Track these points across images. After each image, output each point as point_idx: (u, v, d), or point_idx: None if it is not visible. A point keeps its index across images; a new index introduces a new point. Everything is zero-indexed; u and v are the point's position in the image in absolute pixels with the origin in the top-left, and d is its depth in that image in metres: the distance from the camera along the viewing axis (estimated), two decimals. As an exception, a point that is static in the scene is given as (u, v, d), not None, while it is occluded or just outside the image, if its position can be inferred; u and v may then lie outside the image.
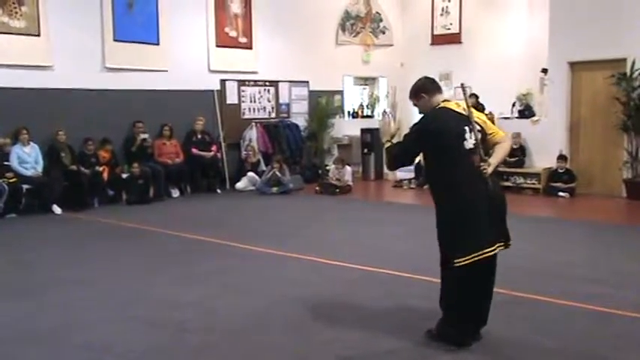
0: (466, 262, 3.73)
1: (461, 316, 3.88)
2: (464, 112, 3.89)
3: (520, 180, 10.88)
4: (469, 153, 3.81)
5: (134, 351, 3.90)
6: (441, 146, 3.82)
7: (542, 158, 10.84)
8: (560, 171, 10.39)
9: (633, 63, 9.87)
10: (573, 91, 10.72)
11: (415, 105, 4.06)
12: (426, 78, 4.09)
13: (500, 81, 12.90)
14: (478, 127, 3.88)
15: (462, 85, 4.40)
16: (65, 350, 3.94)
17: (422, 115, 4.01)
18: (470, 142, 3.82)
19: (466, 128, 3.83)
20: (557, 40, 10.63)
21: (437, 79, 4.13)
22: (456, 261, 3.76)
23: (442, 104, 3.95)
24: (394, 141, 4.06)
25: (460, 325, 3.89)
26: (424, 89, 4.01)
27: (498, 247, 3.84)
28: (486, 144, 3.92)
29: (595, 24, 10.12)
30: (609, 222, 8.21)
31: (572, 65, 10.64)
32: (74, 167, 9.44)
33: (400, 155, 4.01)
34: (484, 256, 3.74)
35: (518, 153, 10.99)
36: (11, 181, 8.80)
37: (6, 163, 8.90)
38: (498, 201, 3.88)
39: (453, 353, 3.77)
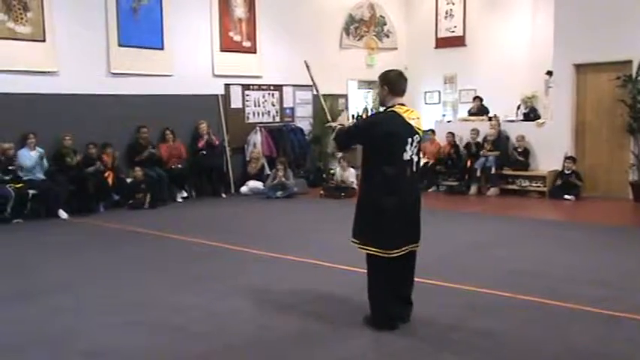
0: (370, 251, 4.08)
1: (382, 302, 4.15)
2: (411, 122, 4.08)
3: (525, 183, 10.85)
4: (404, 163, 4.04)
5: (138, 357, 3.89)
6: (382, 149, 4.04)
7: (548, 161, 10.80)
8: (567, 172, 10.34)
9: (639, 65, 9.83)
10: (579, 94, 10.69)
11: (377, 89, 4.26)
12: (401, 75, 4.24)
13: (504, 83, 12.89)
14: (418, 138, 4.11)
15: (306, 62, 4.80)
16: (69, 356, 3.93)
17: (374, 114, 4.22)
18: (408, 154, 4.05)
19: (409, 139, 4.04)
20: (562, 42, 10.60)
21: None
22: (357, 241, 4.15)
23: (396, 107, 4.11)
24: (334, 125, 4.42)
25: (383, 311, 4.15)
26: (392, 85, 4.17)
27: (411, 248, 4.17)
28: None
29: (600, 26, 10.09)
30: (616, 224, 8.16)
31: (578, 67, 10.62)
32: (78, 158, 9.49)
33: (344, 142, 4.40)
34: (390, 255, 4.05)
35: (523, 156, 10.96)
36: (17, 186, 8.83)
37: (10, 167, 8.92)
38: (418, 207, 4.21)
39: (458, 355, 3.75)
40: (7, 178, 8.82)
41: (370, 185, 4.13)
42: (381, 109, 4.28)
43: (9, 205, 8.68)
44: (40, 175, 9.25)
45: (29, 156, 9.14)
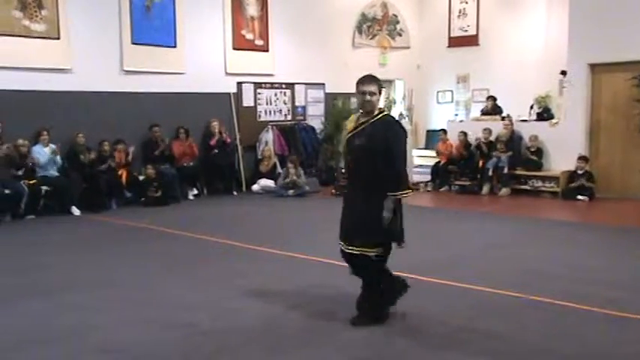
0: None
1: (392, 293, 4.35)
2: None
3: (538, 183, 10.77)
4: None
5: (149, 354, 3.90)
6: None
7: (561, 161, 10.71)
8: (580, 172, 10.25)
9: (654, 65, 9.74)
10: (593, 94, 10.59)
11: (371, 95, 4.35)
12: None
13: (518, 83, 12.80)
14: None
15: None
16: (81, 353, 3.95)
17: (392, 120, 4.34)
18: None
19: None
20: (576, 41, 10.50)
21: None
22: (403, 244, 4.29)
23: (385, 110, 4.45)
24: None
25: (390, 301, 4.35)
26: (382, 91, 4.38)
27: None
28: None
29: (616, 25, 9.98)
30: (629, 225, 8.08)
31: (593, 67, 10.52)
32: (92, 156, 9.57)
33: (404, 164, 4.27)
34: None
35: (536, 156, 10.87)
36: (31, 182, 8.90)
37: (24, 164, 8.97)
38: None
39: (467, 356, 3.73)
40: (20, 174, 8.90)
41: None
42: (382, 112, 4.43)
43: (22, 201, 8.75)
44: (54, 172, 9.32)
45: (43, 152, 9.21)
